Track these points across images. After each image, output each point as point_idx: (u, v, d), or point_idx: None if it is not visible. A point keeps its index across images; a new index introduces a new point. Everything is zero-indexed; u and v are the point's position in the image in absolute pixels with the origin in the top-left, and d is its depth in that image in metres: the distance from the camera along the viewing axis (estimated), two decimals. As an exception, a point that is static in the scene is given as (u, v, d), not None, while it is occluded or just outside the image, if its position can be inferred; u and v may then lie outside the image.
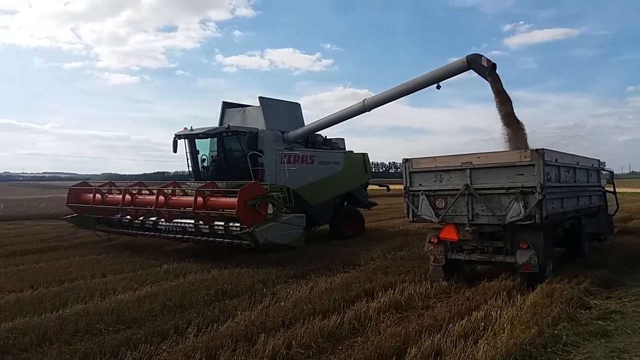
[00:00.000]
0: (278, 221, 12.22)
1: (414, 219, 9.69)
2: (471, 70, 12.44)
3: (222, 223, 12.47)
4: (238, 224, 11.98)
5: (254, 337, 6.11)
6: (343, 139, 18.60)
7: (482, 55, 12.18)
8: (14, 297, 8.50)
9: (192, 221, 12.95)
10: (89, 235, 17.07)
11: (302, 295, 8.29)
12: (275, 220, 12.18)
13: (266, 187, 13.44)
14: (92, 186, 16.04)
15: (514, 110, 11.69)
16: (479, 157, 8.89)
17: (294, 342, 5.85)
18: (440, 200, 9.23)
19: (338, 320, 6.68)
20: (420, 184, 9.51)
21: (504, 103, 11.70)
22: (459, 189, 8.88)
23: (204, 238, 12.65)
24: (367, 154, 18.99)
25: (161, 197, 13.38)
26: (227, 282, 9.32)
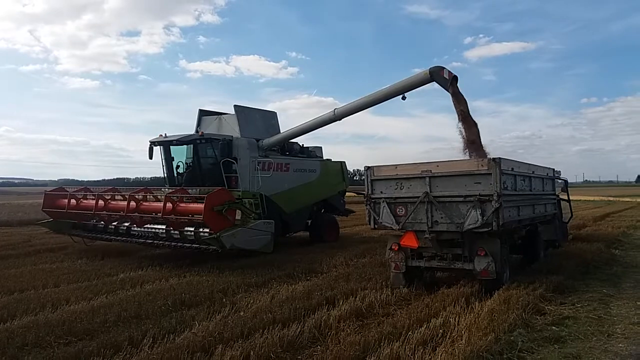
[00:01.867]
0: (246, 227, 12.35)
1: (375, 226, 9.74)
2: (434, 82, 12.68)
3: (192, 229, 12.55)
4: (207, 230, 12.00)
5: (212, 349, 5.97)
6: (320, 147, 18.93)
7: (444, 68, 12.45)
8: (-42, 309, 8.07)
9: (164, 227, 13.04)
10: (42, 244, 16.54)
11: (262, 304, 8.18)
12: (242, 226, 12.31)
13: (239, 193, 13.57)
14: (67, 191, 15.95)
15: (471, 114, 12.06)
16: (438, 166, 9.01)
17: (252, 353, 5.74)
18: (400, 207, 9.31)
19: (298, 329, 6.61)
20: (382, 192, 9.56)
21: (462, 103, 12.06)
22: (418, 197, 8.98)
23: (173, 243, 12.72)
24: (344, 162, 19.29)
25: (132, 203, 13.35)
26: (186, 291, 9.12)
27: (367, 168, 9.79)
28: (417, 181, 9.10)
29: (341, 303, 8.09)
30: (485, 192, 8.39)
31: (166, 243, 12.85)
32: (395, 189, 9.39)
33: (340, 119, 15.01)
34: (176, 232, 12.77)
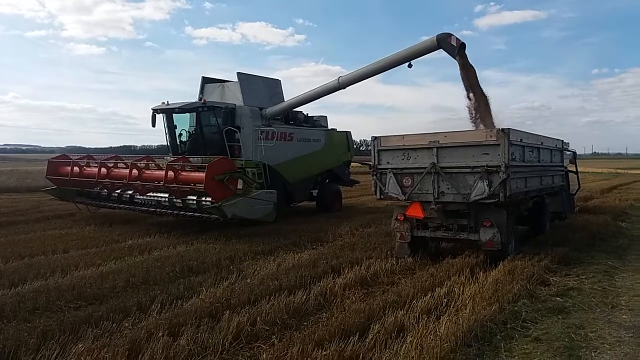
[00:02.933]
0: (247, 196, 12.32)
1: (382, 197, 9.75)
2: (441, 50, 12.44)
3: (195, 197, 12.51)
4: (210, 199, 12.02)
5: (219, 314, 6.06)
6: (325, 117, 18.71)
7: (451, 35, 12.17)
8: (-30, 273, 8.21)
9: (166, 195, 13.02)
10: (51, 210, 16.68)
11: (269, 271, 8.28)
12: (244, 196, 12.28)
13: (241, 163, 13.51)
14: (70, 159, 15.99)
15: (480, 84, 11.81)
16: (445, 136, 8.95)
17: (258, 319, 5.83)
18: (407, 178, 9.29)
19: (304, 297, 6.70)
20: (388, 162, 9.54)
21: (471, 77, 11.80)
22: (425, 167, 8.95)
23: (175, 212, 12.76)
24: (350, 132, 19.07)
25: (134, 171, 13.35)
26: (194, 258, 9.23)
27: (374, 138, 9.74)
28: (425, 152, 9.05)
29: (346, 271, 8.18)
30: (493, 163, 8.34)
31: (169, 211, 12.93)
32: (402, 159, 9.35)
33: (344, 87, 14.82)
34: (179, 200, 12.79)
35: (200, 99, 15.65)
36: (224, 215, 11.65)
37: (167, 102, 15.22)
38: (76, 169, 15.22)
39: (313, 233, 12.16)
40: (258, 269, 8.54)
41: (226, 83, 16.18)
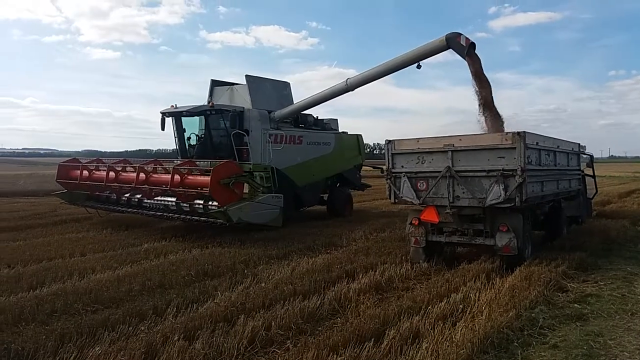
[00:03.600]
0: (253, 201, 12.32)
1: (396, 201, 9.71)
2: (453, 51, 12.23)
3: (202, 201, 12.46)
4: (216, 203, 11.98)
5: (234, 319, 6.09)
6: (336, 120, 18.53)
7: (461, 34, 11.92)
8: (-10, 276, 8.34)
9: (174, 199, 13.01)
10: (68, 214, 16.88)
11: (283, 276, 8.29)
12: (250, 200, 12.28)
13: (249, 166, 13.45)
14: (80, 163, 16.00)
15: (493, 96, 11.51)
16: (460, 140, 8.89)
17: (273, 324, 5.84)
18: (421, 182, 9.24)
19: (318, 302, 6.69)
20: (402, 166, 9.50)
21: (483, 87, 11.54)
22: (440, 171, 8.89)
23: (182, 216, 12.71)
24: (361, 135, 18.85)
25: (142, 175, 13.34)
26: (208, 262, 9.28)
27: (388, 142, 9.71)
28: (439, 155, 9.00)
29: (361, 276, 8.15)
30: (508, 167, 8.27)
31: (175, 216, 12.85)
32: (417, 163, 9.31)
33: (353, 89, 14.60)
34: (186, 204, 12.75)
35: (209, 102, 15.54)
36: (230, 219, 11.56)
37: (176, 105, 15.11)
38: (85, 172, 15.26)
39: (327, 237, 12.15)
40: (272, 273, 8.56)
41: (235, 86, 16.09)
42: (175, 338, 5.36)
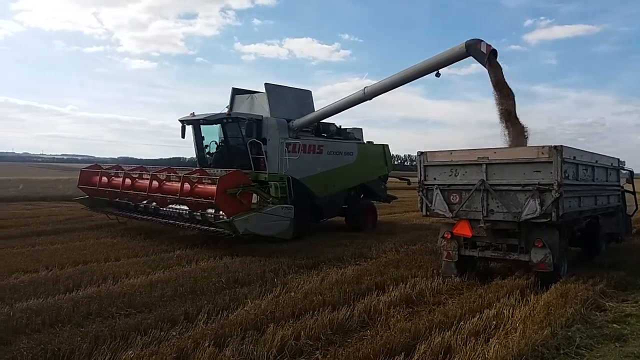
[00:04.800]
0: (261, 211, 11.96)
1: (428, 214, 9.59)
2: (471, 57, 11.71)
3: (213, 211, 12.22)
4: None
5: (263, 327, 6.11)
6: (360, 129, 17.96)
7: (482, 41, 11.44)
8: (29, 278, 8.60)
9: (187, 207, 12.82)
10: (103, 218, 17.23)
11: (312, 286, 8.28)
12: (258, 211, 11.93)
13: (265, 176, 13.28)
14: (100, 169, 16.08)
15: (516, 108, 10.95)
16: (495, 152, 8.76)
17: (302, 333, 5.83)
18: (454, 195, 9.12)
19: (348, 313, 6.65)
20: (435, 178, 9.39)
21: (504, 97, 11.01)
22: (474, 184, 8.76)
23: (193, 225, 12.47)
24: (387, 145, 18.28)
25: (155, 183, 13.21)
26: (239, 269, 9.37)
27: (420, 153, 9.62)
28: (473, 168, 8.87)
29: (391, 289, 8.06)
30: (545, 181, 8.09)
31: (186, 224, 12.64)
32: (450, 175, 9.20)
33: (370, 98, 14.16)
34: (197, 213, 12.53)
35: (227, 110, 15.16)
36: (236, 230, 11.22)
37: (194, 113, 14.94)
38: (104, 179, 15.23)
39: (356, 248, 12.10)
40: (302, 282, 8.56)
41: (255, 94, 15.78)
42: (206, 344, 5.41)
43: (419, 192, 9.65)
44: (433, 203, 9.35)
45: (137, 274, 8.97)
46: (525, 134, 10.67)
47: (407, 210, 22.79)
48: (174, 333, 5.85)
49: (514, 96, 11.03)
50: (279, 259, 10.46)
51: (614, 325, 6.46)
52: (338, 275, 9.08)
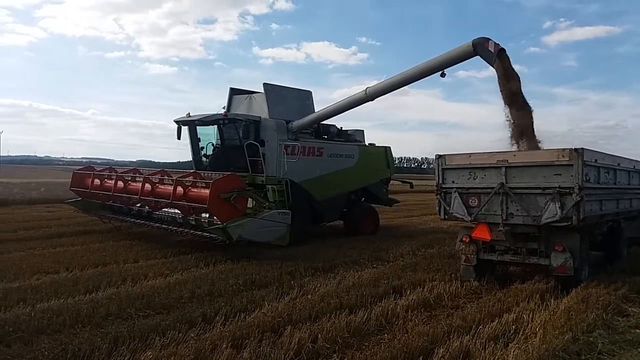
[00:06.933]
0: (257, 217, 11.45)
1: (446, 217, 9.51)
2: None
3: (207, 215, 11.74)
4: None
5: (281, 329, 6.12)
6: (362, 131, 17.46)
7: (489, 39, 10.90)
8: (50, 279, 8.73)
9: (180, 212, 12.33)
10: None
11: (329, 289, 8.27)
12: (253, 216, 11.45)
13: (262, 179, 12.94)
14: (93, 171, 15.69)
15: (524, 96, 10.39)
16: (515, 155, 8.67)
17: (320, 336, 5.83)
18: (473, 198, 9.03)
19: (365, 316, 6.63)
20: (453, 181, 9.31)
21: (511, 79, 10.47)
22: (493, 188, 8.66)
23: (186, 230, 11.98)
24: (389, 147, 17.70)
25: (147, 185, 12.77)
26: (256, 272, 9.39)
27: (439, 156, 9.54)
28: (492, 171, 8.78)
29: (408, 293, 8.03)
30: (565, 184, 7.97)
31: (179, 229, 12.15)
32: (468, 178, 9.11)
33: (372, 99, 13.59)
34: (191, 218, 12.02)
35: (229, 110, 14.88)
36: (229, 237, 10.69)
37: (189, 114, 14.49)
38: (97, 181, 14.85)
39: (373, 252, 12.05)
40: (318, 285, 8.54)
41: (253, 95, 15.31)
42: (224, 346, 5.44)
43: (437, 195, 9.57)
44: (451, 206, 9.27)
45: (155, 276, 9.05)
46: (532, 119, 10.20)
47: (425, 213, 22.65)
48: (192, 335, 5.88)
49: (531, 110, 10.37)
50: (295, 262, 10.46)
51: (637, 330, 6.32)
52: (355, 279, 9.06)
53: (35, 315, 6.46)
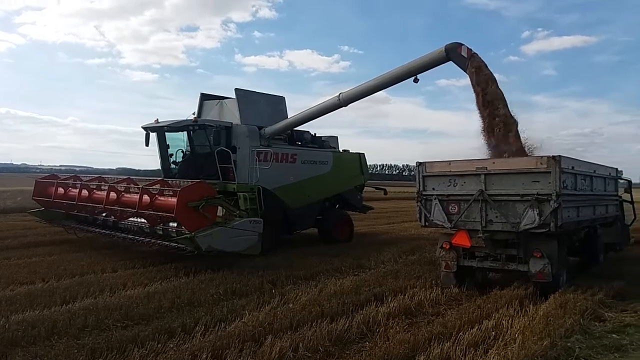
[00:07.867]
0: (227, 226, 11.00)
1: (426, 224, 9.59)
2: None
3: (175, 225, 11.34)
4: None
5: (261, 338, 6.07)
6: (336, 137, 17.31)
7: (462, 44, 10.99)
8: (25, 289, 8.54)
9: (147, 221, 11.86)
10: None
11: (310, 297, 8.24)
12: (223, 225, 11.01)
13: (233, 187, 12.71)
14: (56, 179, 15.24)
15: (504, 98, 10.36)
16: (494, 163, 8.78)
17: (301, 345, 5.80)
18: (453, 205, 9.11)
19: (346, 324, 6.62)
20: (434, 188, 9.39)
21: (488, 81, 10.47)
22: (472, 195, 8.76)
23: (153, 240, 11.56)
24: (363, 154, 17.49)
25: (113, 194, 12.29)
26: (237, 281, 9.31)
27: (419, 164, 9.63)
28: (472, 178, 8.88)
29: (390, 300, 8.03)
30: (543, 191, 8.10)
31: (145, 240, 11.68)
32: (448, 185, 9.20)
33: (346, 105, 13.55)
34: (159, 227, 11.65)
35: (199, 117, 14.53)
36: (198, 247, 10.29)
37: (157, 120, 14.19)
38: (60, 190, 14.40)
39: (354, 259, 12.05)
40: (300, 294, 8.50)
41: (224, 100, 14.97)
42: (204, 356, 5.38)
43: (417, 202, 9.65)
44: (432, 213, 9.34)
45: (134, 286, 8.91)
46: (520, 137, 10.15)
47: (406, 220, 22.77)
48: (172, 345, 5.80)
49: (506, 108, 10.32)
50: (276, 270, 10.40)
51: (614, 335, 6.44)
52: (336, 286, 9.04)
53: (9, 327, 6.31)
